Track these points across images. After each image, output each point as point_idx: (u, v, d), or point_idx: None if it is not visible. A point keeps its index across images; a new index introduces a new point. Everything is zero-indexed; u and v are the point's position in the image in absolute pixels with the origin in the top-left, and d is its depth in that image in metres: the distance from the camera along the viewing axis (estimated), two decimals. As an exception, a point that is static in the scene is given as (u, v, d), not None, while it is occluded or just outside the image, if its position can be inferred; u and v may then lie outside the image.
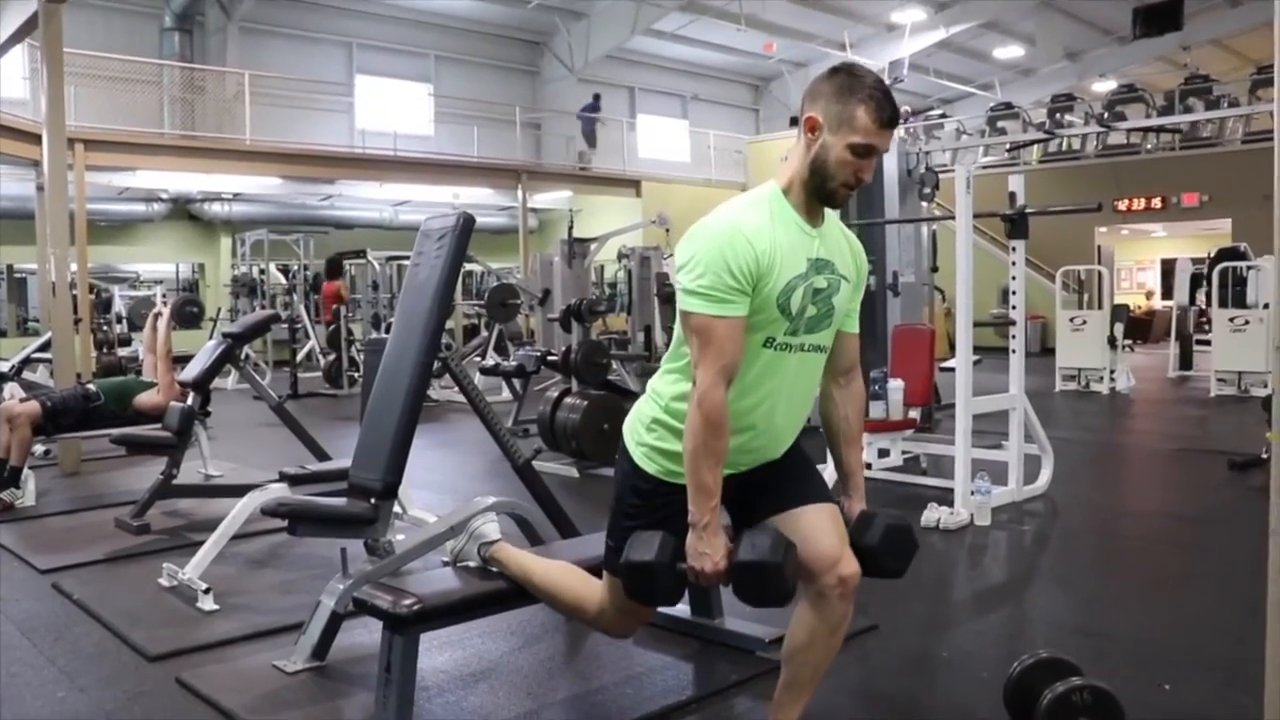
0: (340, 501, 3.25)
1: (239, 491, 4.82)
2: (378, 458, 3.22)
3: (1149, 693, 2.82)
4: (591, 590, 2.47)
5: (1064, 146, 18.14)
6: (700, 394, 2.07)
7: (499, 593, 2.71)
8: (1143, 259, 23.22)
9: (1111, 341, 10.75)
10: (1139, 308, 19.36)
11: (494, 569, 2.77)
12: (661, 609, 3.42)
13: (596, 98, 20.36)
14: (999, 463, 5.38)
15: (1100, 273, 12.33)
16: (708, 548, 2.10)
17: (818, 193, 2.15)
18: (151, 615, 3.72)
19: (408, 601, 2.53)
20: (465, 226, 3.39)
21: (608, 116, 20.37)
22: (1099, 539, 4.81)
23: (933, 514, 4.85)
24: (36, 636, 3.54)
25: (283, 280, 16.55)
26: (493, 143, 18.35)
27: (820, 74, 2.18)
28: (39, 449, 6.69)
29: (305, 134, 16.15)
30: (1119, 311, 11.21)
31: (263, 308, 15.34)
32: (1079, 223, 15.49)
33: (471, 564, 2.81)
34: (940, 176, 8.96)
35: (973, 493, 4.91)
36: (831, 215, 2.25)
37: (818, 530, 2.21)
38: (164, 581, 4.04)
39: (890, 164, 8.08)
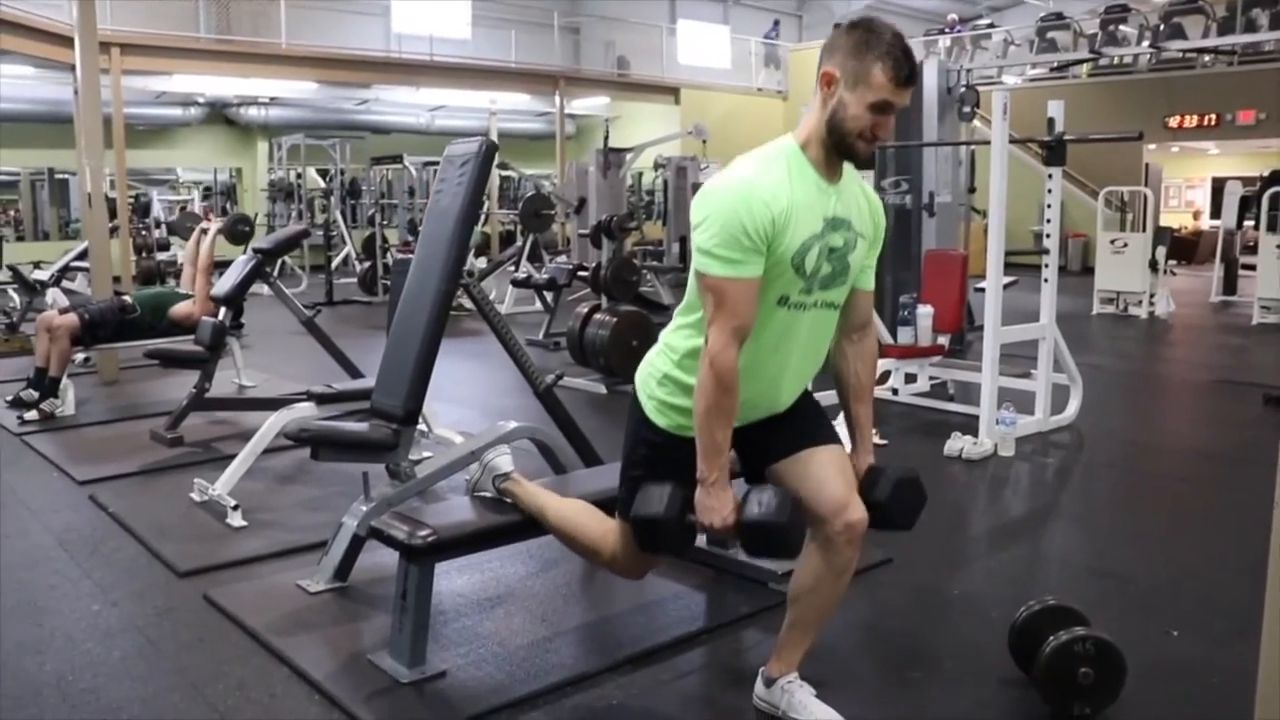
0: (362, 426, 3.29)
1: (271, 405, 4.94)
2: (399, 384, 3.25)
3: (1156, 639, 2.84)
4: (605, 533, 2.49)
5: (1116, 60, 17.55)
6: (713, 354, 2.07)
7: (513, 524, 2.75)
8: (1193, 177, 22.60)
9: (1153, 265, 10.55)
10: (1185, 228, 18.94)
11: (509, 501, 2.82)
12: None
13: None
14: (1027, 392, 5.35)
15: (1145, 194, 12.02)
16: (716, 502, 2.13)
17: (836, 149, 2.12)
18: (182, 530, 3.82)
19: (423, 533, 2.58)
20: (487, 153, 3.36)
21: (646, 22, 19.96)
22: (1121, 474, 4.79)
23: (956, 443, 4.85)
24: (73, 549, 3.66)
25: (321, 184, 16.58)
26: (531, 47, 18.06)
27: (838, 28, 2.13)
28: (79, 357, 6.83)
29: (341, 38, 15.97)
30: (1162, 234, 10.96)
31: (299, 213, 15.41)
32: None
33: (488, 494, 2.85)
34: (984, 91, 8.75)
35: (997, 423, 4.90)
36: (850, 171, 2.21)
37: (826, 475, 2.22)
38: (195, 496, 4.15)
39: (930, 81, 7.88)
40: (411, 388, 3.23)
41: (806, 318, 2.18)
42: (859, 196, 2.23)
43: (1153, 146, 17.71)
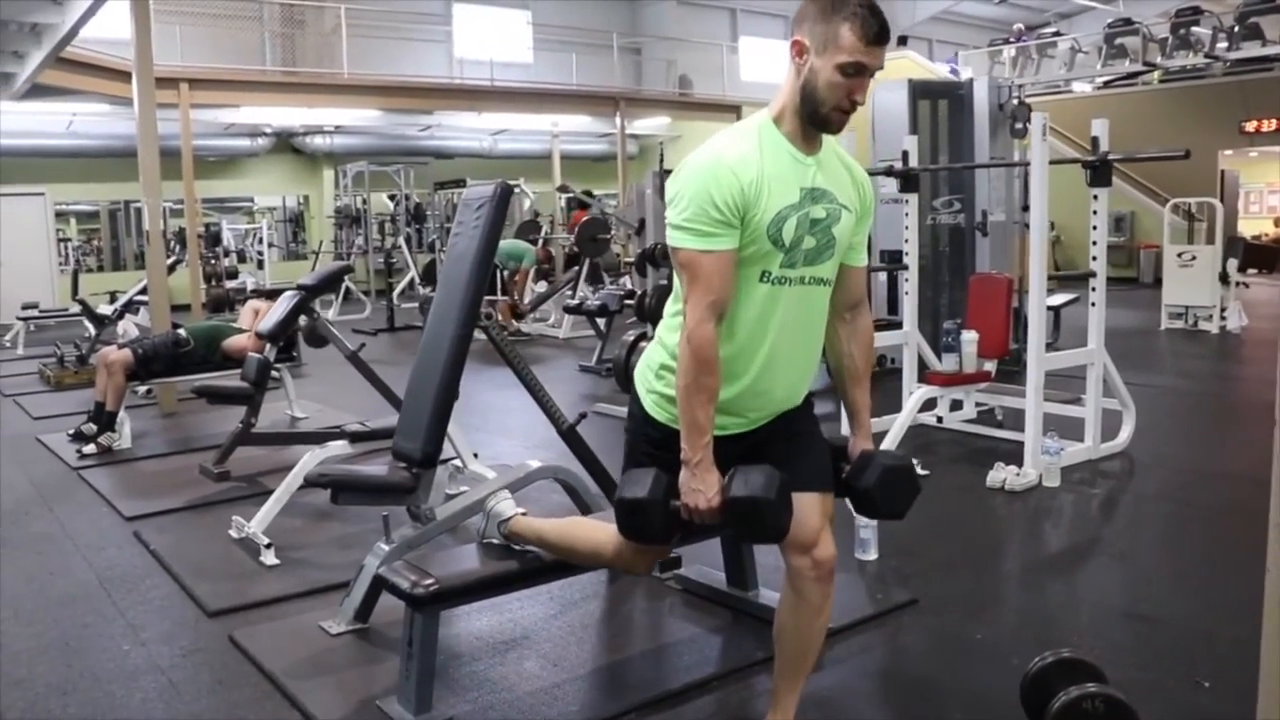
0: (380, 470, 3.33)
1: (316, 439, 5.02)
2: (418, 427, 3.28)
3: (1184, 689, 2.73)
4: (604, 534, 2.48)
5: (1188, 65, 17.11)
6: (690, 330, 2.05)
7: (518, 571, 2.76)
8: (1275, 181, 21.88)
9: (1223, 278, 10.20)
10: (1265, 235, 18.33)
11: (517, 546, 2.83)
12: (700, 579, 3.48)
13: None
14: (1077, 418, 5.20)
15: (1212, 205, 11.62)
16: (700, 484, 2.09)
17: (811, 119, 2.10)
18: (217, 568, 3.90)
19: (426, 582, 2.60)
20: (502, 196, 3.38)
21: (707, 40, 19.97)
22: (1171, 506, 4.61)
23: (998, 474, 4.73)
24: (113, 587, 3.76)
25: (390, 207, 16.89)
26: (591, 70, 18.22)
27: None
28: (141, 389, 7.03)
29: (403, 65, 16.27)
30: (1233, 246, 10.60)
31: (365, 238, 15.70)
32: (1200, 146, 14.66)
33: (496, 541, 2.86)
34: (1049, 102, 8.57)
35: (1043, 452, 4.77)
36: (830, 143, 2.20)
37: (804, 514, 2.17)
38: (233, 533, 4.23)
39: (980, 97, 7.75)
40: (430, 431, 3.25)
41: (792, 294, 2.14)
42: (840, 169, 2.21)
43: (1229, 152, 17.22)
